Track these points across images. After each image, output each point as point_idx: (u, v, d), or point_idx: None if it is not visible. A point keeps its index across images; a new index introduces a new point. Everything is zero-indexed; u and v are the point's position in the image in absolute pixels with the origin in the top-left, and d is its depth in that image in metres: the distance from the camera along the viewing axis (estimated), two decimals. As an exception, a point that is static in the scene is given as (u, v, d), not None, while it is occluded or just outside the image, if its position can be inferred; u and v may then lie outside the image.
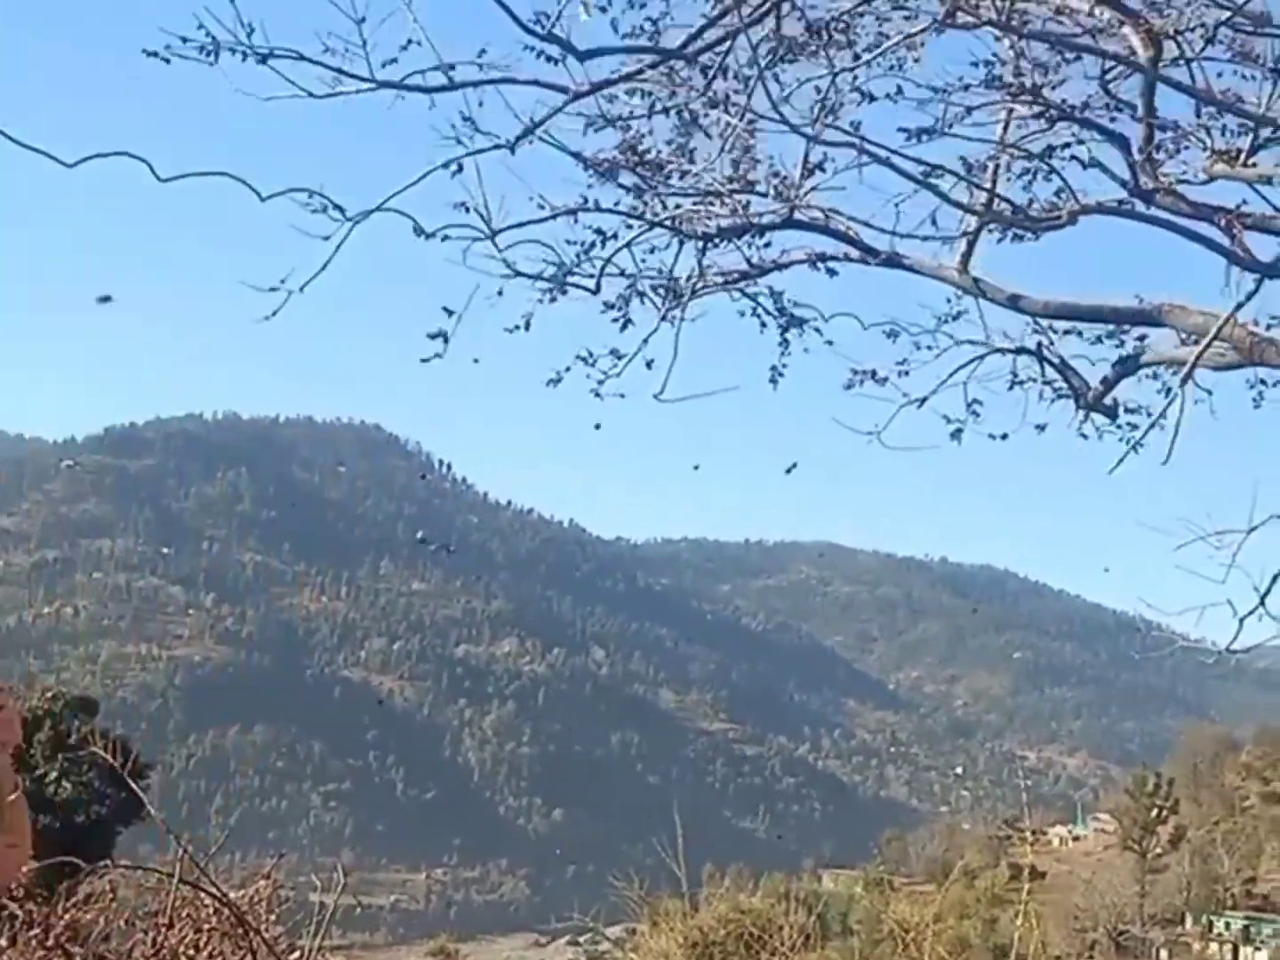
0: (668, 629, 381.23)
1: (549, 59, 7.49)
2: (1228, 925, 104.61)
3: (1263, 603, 7.88)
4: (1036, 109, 8.10)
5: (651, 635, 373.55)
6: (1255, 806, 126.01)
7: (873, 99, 7.98)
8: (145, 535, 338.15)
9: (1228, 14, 7.74)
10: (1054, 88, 8.14)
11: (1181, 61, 8.18)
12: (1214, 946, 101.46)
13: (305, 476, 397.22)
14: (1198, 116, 8.46)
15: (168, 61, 7.50)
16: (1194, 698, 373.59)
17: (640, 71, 7.63)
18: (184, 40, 7.39)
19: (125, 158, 7.09)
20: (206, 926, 7.82)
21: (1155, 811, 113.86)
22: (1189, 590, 8.52)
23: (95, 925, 7.84)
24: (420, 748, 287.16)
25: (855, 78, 8.17)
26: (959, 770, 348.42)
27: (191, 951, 7.71)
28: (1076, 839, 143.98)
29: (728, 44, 7.88)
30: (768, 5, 7.56)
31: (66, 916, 7.61)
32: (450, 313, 8.15)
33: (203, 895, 7.82)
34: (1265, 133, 8.33)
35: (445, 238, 8.11)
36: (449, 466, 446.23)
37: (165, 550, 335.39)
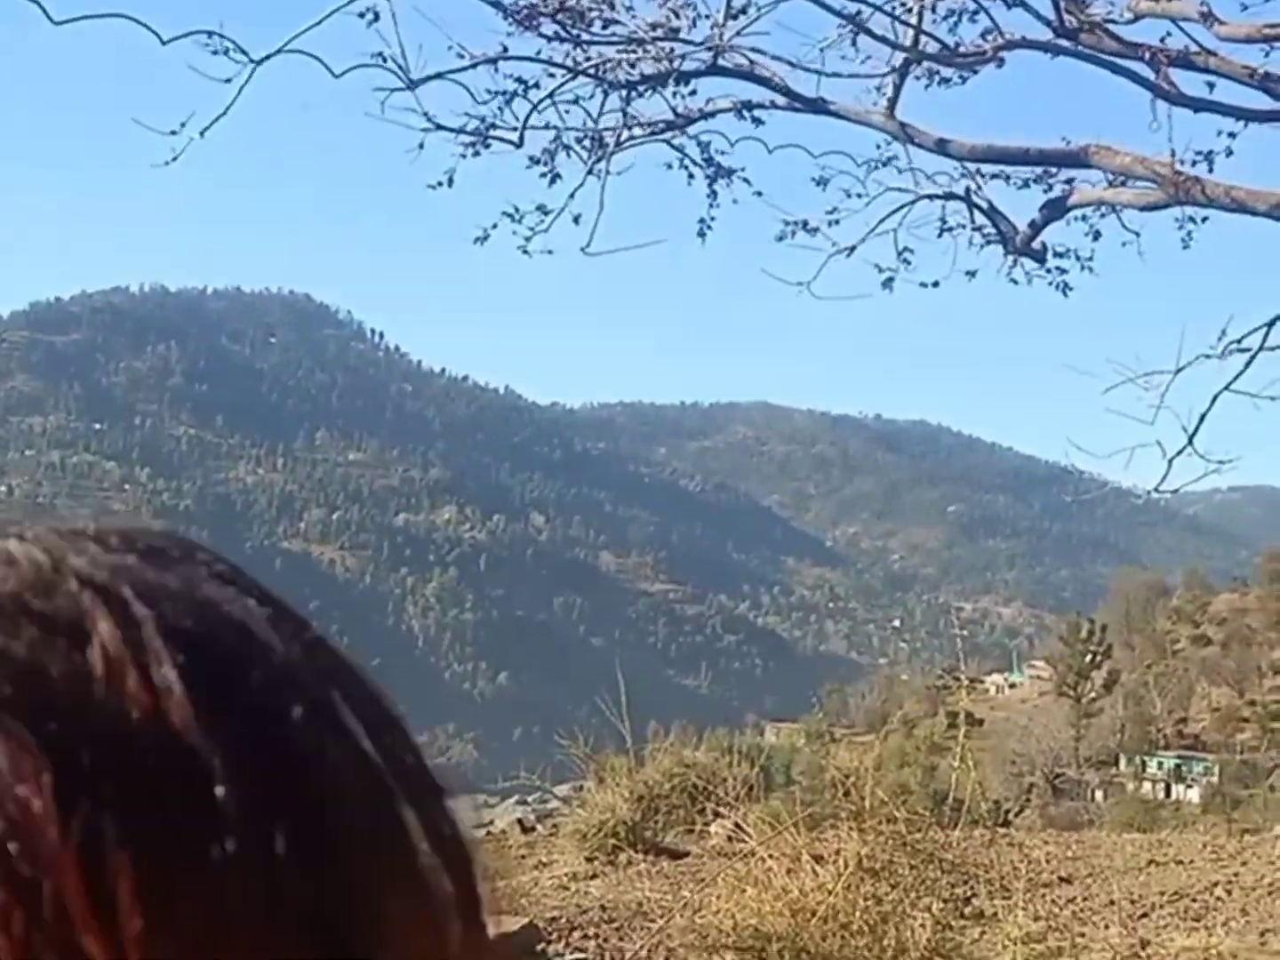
0: (606, 493, 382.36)
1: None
2: (1160, 765, 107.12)
3: (1190, 442, 7.95)
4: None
5: (590, 499, 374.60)
6: (1185, 649, 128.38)
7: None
8: (76, 411, 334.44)
9: None
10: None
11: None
12: (1147, 785, 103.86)
13: (236, 348, 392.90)
14: (1124, -47, 8.34)
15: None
16: (1125, 545, 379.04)
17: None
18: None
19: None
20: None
21: (1089, 657, 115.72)
22: (1118, 435, 8.58)
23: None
24: (363, 617, 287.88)
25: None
26: (896, 623, 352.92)
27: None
28: (1013, 686, 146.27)
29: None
30: None
31: None
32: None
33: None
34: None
35: (359, 70, 7.87)
36: (381, 335, 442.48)
37: (97, 426, 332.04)
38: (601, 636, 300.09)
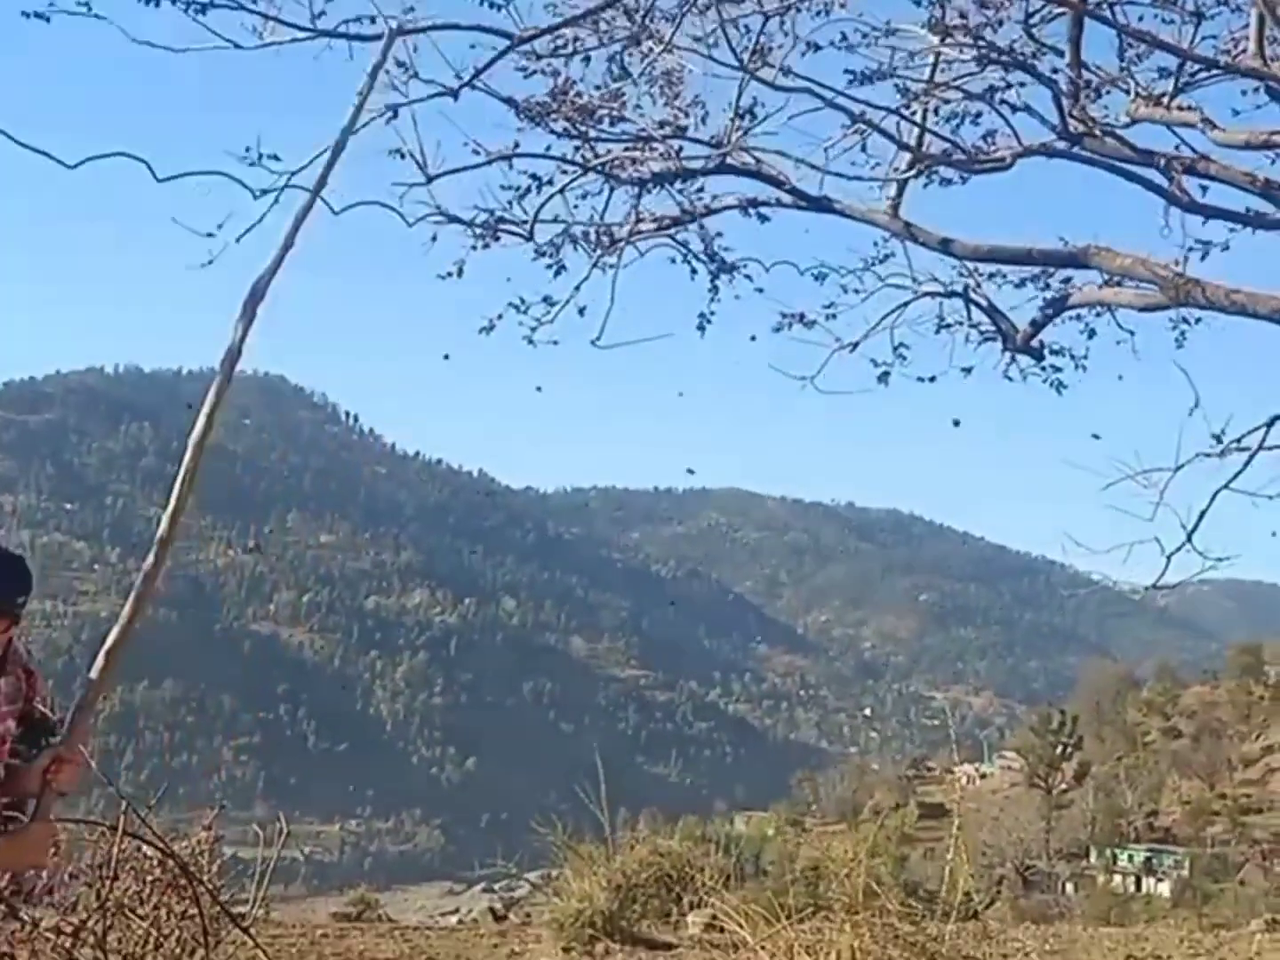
0: (578, 578, 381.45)
1: (487, 2, 7.42)
2: (1131, 858, 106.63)
3: (1189, 539, 8.07)
4: (972, 52, 8.13)
5: (562, 584, 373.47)
6: (1156, 741, 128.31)
7: (818, 48, 7.97)
8: (48, 491, 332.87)
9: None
10: (985, 29, 8.18)
11: (1105, 5, 8.27)
12: (1117, 878, 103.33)
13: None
14: (1120, 60, 8.55)
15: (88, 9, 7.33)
16: (1095, 637, 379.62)
17: (584, 16, 7.54)
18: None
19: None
20: (150, 878, 7.79)
21: (1060, 748, 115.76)
22: (1095, 529, 8.70)
23: (38, 879, 7.78)
24: (331, 700, 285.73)
25: (784, 22, 8.17)
26: (867, 712, 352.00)
27: (136, 903, 7.69)
28: (984, 777, 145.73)
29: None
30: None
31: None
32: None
33: (145, 848, 7.78)
34: (1185, 76, 8.45)
35: (382, 202, 8.01)
36: (356, 418, 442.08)
37: (69, 506, 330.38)
38: (571, 722, 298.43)
